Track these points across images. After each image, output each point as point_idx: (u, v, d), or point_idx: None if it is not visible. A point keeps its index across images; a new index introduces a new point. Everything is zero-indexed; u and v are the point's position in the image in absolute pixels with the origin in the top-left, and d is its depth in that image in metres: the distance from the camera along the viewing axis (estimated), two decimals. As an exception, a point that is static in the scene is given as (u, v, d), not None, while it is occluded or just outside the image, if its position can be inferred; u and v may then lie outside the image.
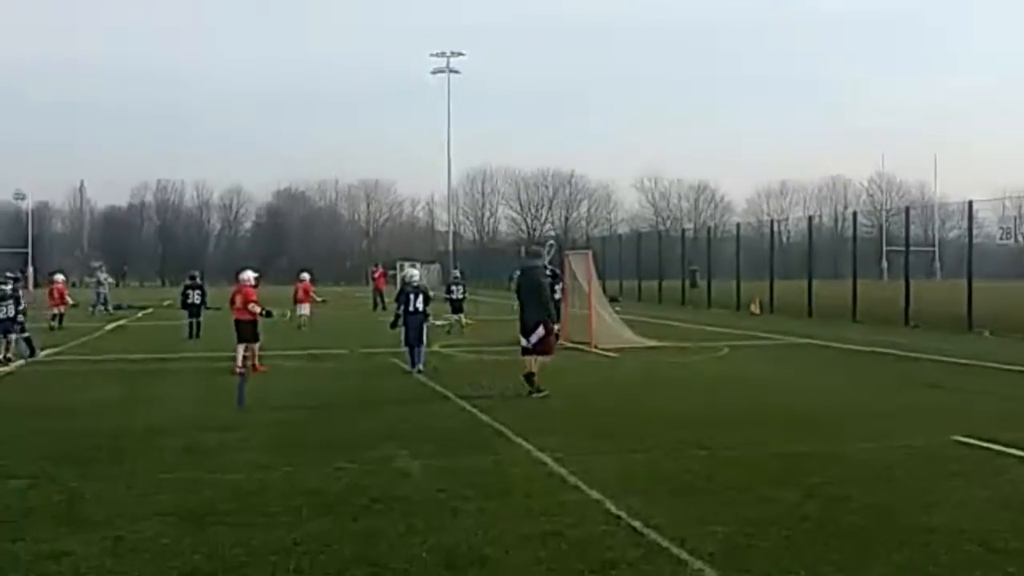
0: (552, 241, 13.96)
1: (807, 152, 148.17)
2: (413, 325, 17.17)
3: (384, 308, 37.20)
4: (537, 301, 14.45)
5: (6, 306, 18.08)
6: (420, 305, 17.26)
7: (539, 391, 13.81)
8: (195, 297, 26.81)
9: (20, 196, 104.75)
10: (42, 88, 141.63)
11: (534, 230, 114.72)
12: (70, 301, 31.13)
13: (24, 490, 8.33)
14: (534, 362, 14.18)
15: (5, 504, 7.84)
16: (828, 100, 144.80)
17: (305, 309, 29.41)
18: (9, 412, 13.10)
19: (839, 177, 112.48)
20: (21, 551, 6.50)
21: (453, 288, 28.42)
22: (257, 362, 17.64)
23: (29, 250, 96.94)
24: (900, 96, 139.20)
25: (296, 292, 30.10)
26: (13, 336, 18.32)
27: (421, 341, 17.28)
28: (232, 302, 18.23)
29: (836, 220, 78.73)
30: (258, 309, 17.85)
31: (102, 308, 38.90)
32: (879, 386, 15.64)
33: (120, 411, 13.06)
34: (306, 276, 30.62)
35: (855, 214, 40.72)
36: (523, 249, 77.99)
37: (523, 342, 14.40)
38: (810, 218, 41.83)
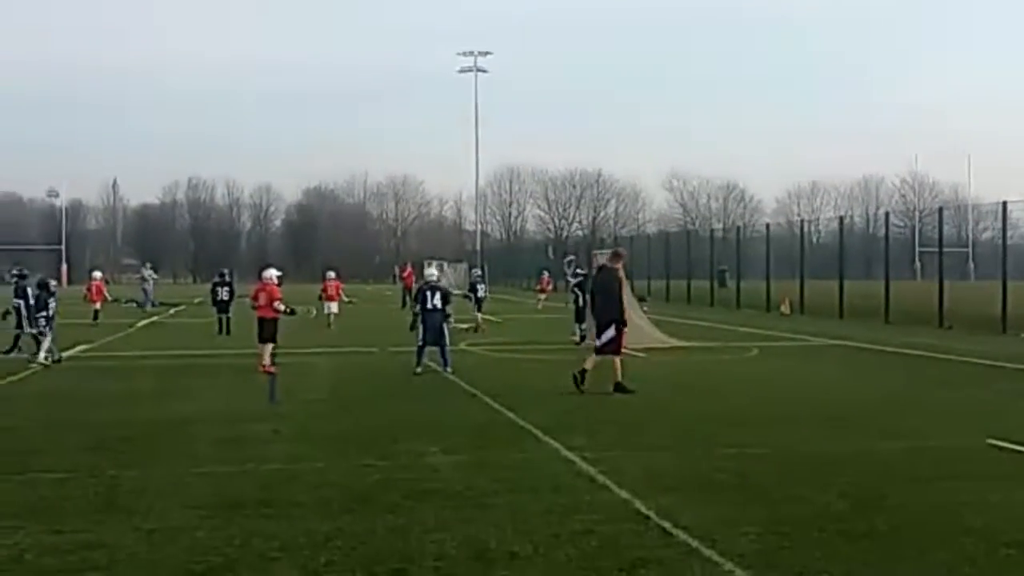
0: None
1: (838, 152, 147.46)
2: (432, 324, 16.88)
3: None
4: (610, 301, 14.51)
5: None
6: (438, 303, 17.00)
7: (626, 390, 13.86)
8: (223, 294, 27.13)
9: (54, 194, 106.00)
10: (74, 87, 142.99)
11: (561, 229, 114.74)
12: (108, 297, 31.86)
13: (62, 481, 8.43)
14: (593, 361, 14.29)
15: (43, 495, 7.95)
16: (859, 98, 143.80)
17: (334, 307, 29.57)
18: (46, 404, 13.27)
19: (871, 177, 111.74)
20: (59, 541, 6.58)
21: (478, 287, 28.85)
22: (266, 361, 17.01)
23: (63, 247, 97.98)
24: (933, 94, 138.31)
25: (324, 290, 30.29)
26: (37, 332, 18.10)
27: (443, 340, 16.96)
28: (255, 299, 17.90)
29: (868, 221, 78.14)
30: (283, 307, 17.56)
31: (148, 304, 39.24)
32: (912, 387, 15.54)
33: (154, 404, 13.23)
34: (332, 274, 30.79)
35: (887, 214, 40.48)
36: (549, 248, 78.02)
37: (595, 341, 14.59)
38: (841, 218, 41.53)
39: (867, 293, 34.29)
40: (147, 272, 42.47)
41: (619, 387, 13.96)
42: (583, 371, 14.14)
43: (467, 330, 25.68)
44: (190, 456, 9.58)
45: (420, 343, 16.94)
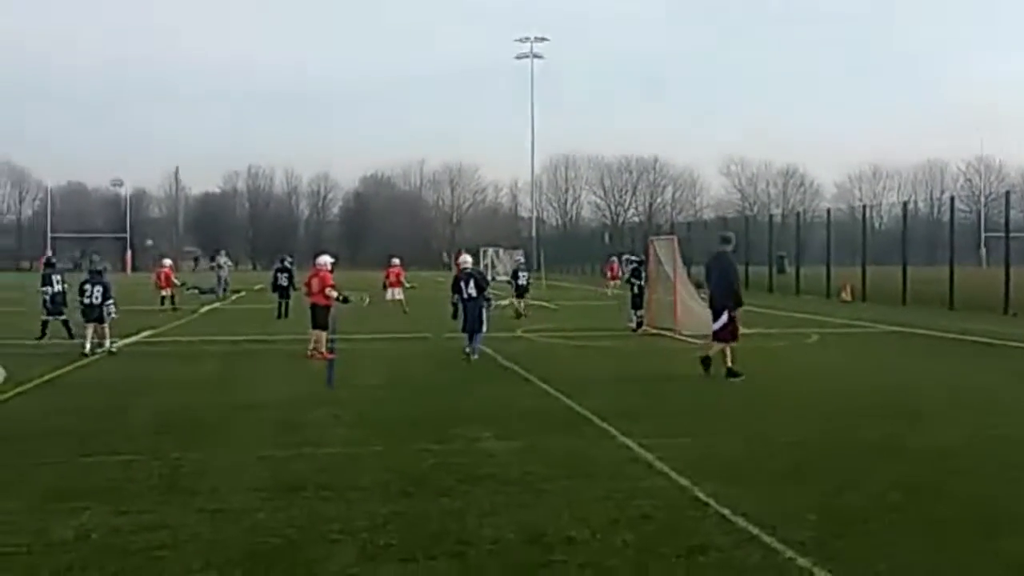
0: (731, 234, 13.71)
1: (901, 135, 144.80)
2: (471, 312, 17.15)
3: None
4: (725, 287, 14.51)
5: (95, 292, 17.85)
6: (473, 291, 17.22)
7: (736, 375, 13.88)
8: (283, 280, 27.79)
9: (118, 183, 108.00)
10: (137, 79, 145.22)
11: (617, 216, 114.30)
12: (177, 283, 32.71)
13: (127, 463, 8.61)
14: (713, 347, 14.42)
15: (108, 476, 8.12)
16: (922, 80, 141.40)
17: (398, 293, 30.10)
18: (111, 389, 13.53)
19: (935, 161, 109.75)
20: (124, 522, 6.73)
21: (520, 274, 29.06)
22: (324, 348, 17.30)
23: (128, 235, 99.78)
24: (999, 74, 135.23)
25: (387, 277, 30.61)
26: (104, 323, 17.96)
27: (480, 327, 17.12)
28: (308, 286, 18.05)
29: (932, 205, 76.82)
30: (335, 294, 17.70)
31: (222, 291, 39.77)
32: (975, 375, 15.28)
33: (217, 388, 13.45)
34: (396, 261, 31.18)
35: (952, 199, 39.70)
36: (606, 235, 77.85)
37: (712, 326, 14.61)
38: (904, 203, 40.84)
39: (930, 279, 33.71)
40: (222, 259, 42.58)
41: (731, 372, 13.97)
42: (707, 357, 14.31)
43: (505, 308, 25.85)
44: (251, 439, 9.73)
45: (465, 331, 17.23)
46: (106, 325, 17.86)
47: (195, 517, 6.85)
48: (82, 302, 17.91)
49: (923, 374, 15.49)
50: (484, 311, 17.31)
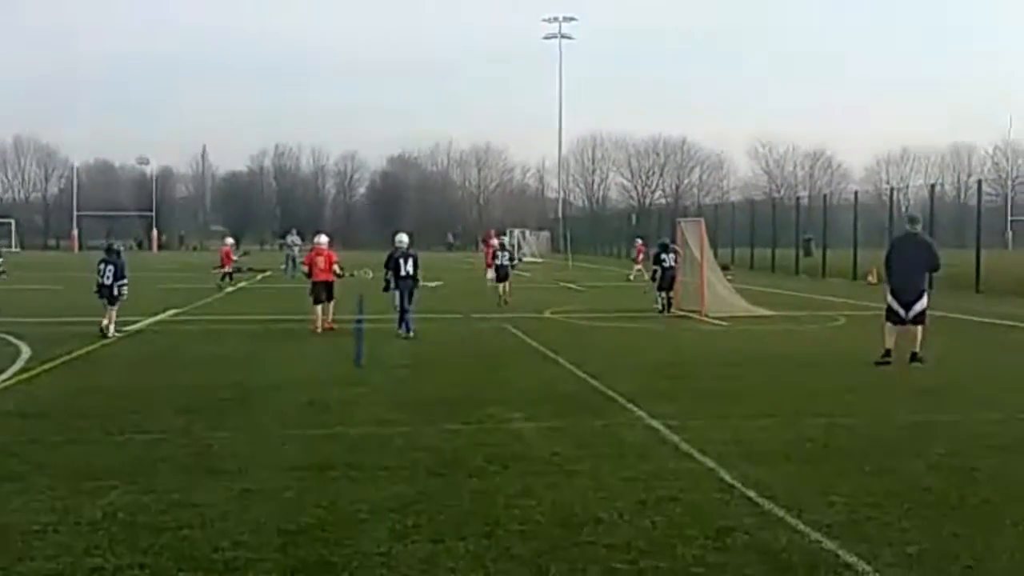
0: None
1: (929, 118, 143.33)
2: (404, 289, 17.68)
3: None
4: (921, 270, 14.34)
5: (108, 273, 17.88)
6: (410, 269, 17.84)
7: (920, 361, 13.73)
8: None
9: (144, 161, 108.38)
10: (163, 56, 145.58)
11: (644, 197, 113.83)
12: (235, 257, 34.57)
13: (155, 442, 8.67)
14: (894, 334, 14.09)
15: (137, 456, 8.17)
16: (950, 62, 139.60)
17: (490, 273, 30.83)
18: (140, 368, 13.62)
19: (963, 144, 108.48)
20: (152, 502, 6.77)
21: (499, 254, 27.23)
22: (331, 319, 18.60)
23: (153, 214, 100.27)
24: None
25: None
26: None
27: (410, 305, 17.70)
28: (313, 264, 19.00)
29: (959, 189, 76.11)
30: (339, 270, 18.98)
31: (293, 271, 39.59)
32: (1003, 358, 15.16)
33: (244, 368, 13.50)
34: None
35: (980, 183, 39.24)
36: (634, 216, 77.37)
37: (900, 313, 14.14)
38: (932, 186, 40.46)
39: (957, 262, 33.39)
40: (293, 238, 42.16)
41: (914, 357, 13.79)
42: (888, 351, 13.88)
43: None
44: (279, 419, 9.77)
45: (397, 308, 17.73)
46: (114, 308, 17.71)
47: (223, 496, 6.88)
48: (98, 282, 18.02)
49: (952, 356, 15.34)
50: (416, 290, 18.02)
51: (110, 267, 17.87)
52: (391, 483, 7.23)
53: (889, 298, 14.18)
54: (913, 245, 14.42)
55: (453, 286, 33.05)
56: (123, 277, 17.94)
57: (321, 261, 18.86)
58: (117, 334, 17.35)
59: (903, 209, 53.01)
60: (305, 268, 19.66)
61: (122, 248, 19.25)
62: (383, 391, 11.48)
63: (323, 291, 18.62)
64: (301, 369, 13.33)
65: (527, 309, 23.17)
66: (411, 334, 17.25)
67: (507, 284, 25.52)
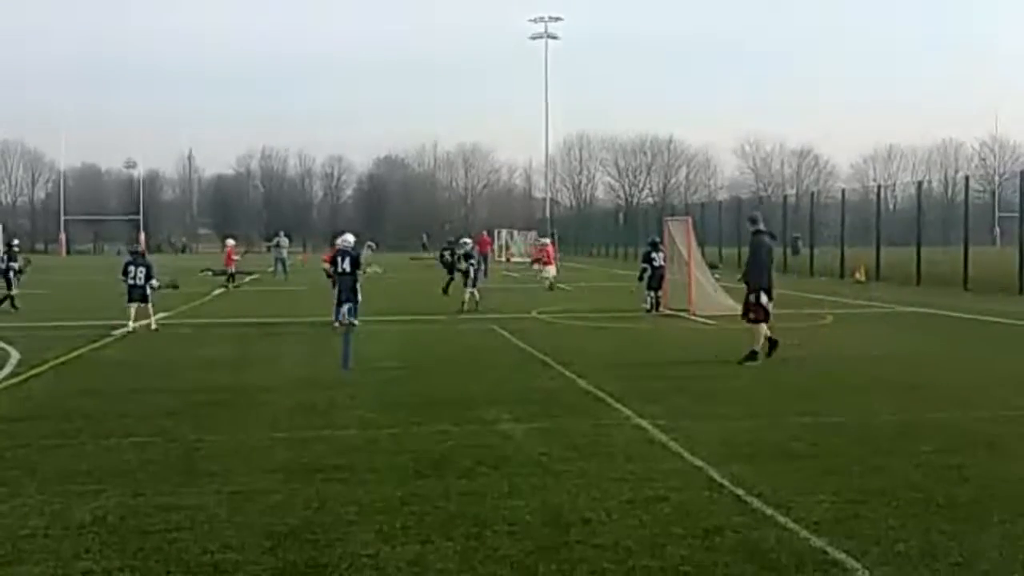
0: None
1: (916, 115, 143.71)
2: (343, 285, 19.33)
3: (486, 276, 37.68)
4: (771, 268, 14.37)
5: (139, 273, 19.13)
6: (348, 267, 19.41)
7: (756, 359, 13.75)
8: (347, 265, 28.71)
9: (131, 165, 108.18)
10: (150, 59, 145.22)
11: (632, 197, 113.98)
12: (236, 258, 34.90)
13: (143, 445, 8.65)
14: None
15: (125, 459, 8.15)
16: (935, 59, 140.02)
17: (552, 270, 32.43)
18: (129, 371, 13.59)
19: (950, 141, 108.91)
20: (141, 504, 6.76)
21: (456, 255, 26.01)
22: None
23: (141, 217, 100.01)
24: (1016, 54, 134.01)
25: (546, 254, 33.54)
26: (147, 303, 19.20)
27: (354, 298, 19.34)
28: (333, 263, 19.91)
29: (946, 185, 76.26)
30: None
31: (283, 273, 39.62)
32: (992, 355, 15.23)
33: (232, 370, 13.48)
34: (546, 241, 33.38)
35: (967, 179, 39.38)
36: (620, 216, 77.28)
37: (769, 310, 14.18)
38: (919, 183, 40.58)
39: (944, 260, 33.56)
40: (282, 240, 41.82)
41: (754, 355, 13.80)
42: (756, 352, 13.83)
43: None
44: (268, 421, 9.76)
45: (336, 301, 19.39)
46: (149, 305, 19.12)
47: (212, 499, 6.87)
48: (126, 283, 19.14)
49: (940, 354, 15.44)
50: (358, 285, 19.53)
51: (141, 268, 19.18)
52: (379, 485, 7.23)
53: (764, 298, 14.12)
54: (768, 245, 14.60)
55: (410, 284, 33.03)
56: (152, 276, 19.30)
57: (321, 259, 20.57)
58: (155, 328, 18.70)
59: (891, 206, 53.27)
60: (327, 266, 20.51)
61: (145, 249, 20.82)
62: (371, 393, 11.47)
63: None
64: (290, 371, 13.32)
65: (514, 310, 23.18)
66: (354, 325, 18.87)
67: (472, 291, 23.36)
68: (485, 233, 50.66)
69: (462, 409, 10.27)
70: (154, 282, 19.22)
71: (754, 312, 14.08)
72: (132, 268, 19.17)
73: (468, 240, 26.37)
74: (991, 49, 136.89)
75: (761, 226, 14.65)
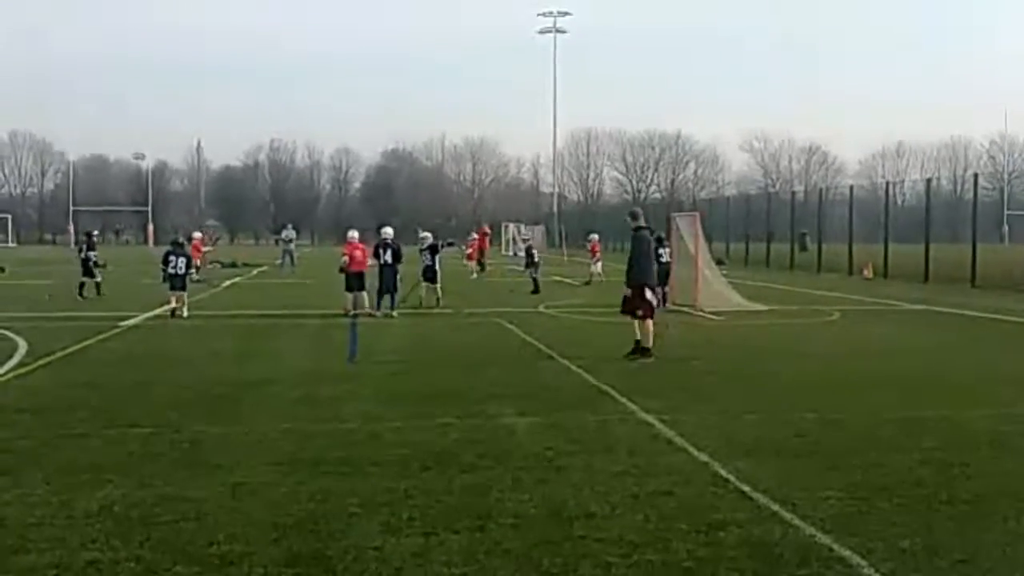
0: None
1: (924, 112, 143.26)
2: (386, 276, 20.17)
3: (483, 269, 37.81)
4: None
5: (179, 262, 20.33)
6: (390, 259, 20.24)
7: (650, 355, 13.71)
8: (388, 256, 28.81)
9: (140, 156, 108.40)
10: (160, 51, 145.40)
11: (639, 192, 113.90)
12: (205, 250, 36.16)
13: (148, 436, 8.66)
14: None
15: (130, 451, 8.16)
16: (945, 55, 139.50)
17: (598, 267, 33.02)
18: (135, 363, 13.60)
19: (959, 138, 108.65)
20: (146, 496, 6.77)
21: (423, 253, 23.59)
22: (368, 305, 20.40)
23: (149, 208, 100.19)
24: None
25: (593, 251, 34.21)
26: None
27: (394, 290, 20.23)
28: (352, 256, 20.96)
29: (955, 183, 76.11)
30: (372, 261, 20.75)
31: (291, 266, 39.49)
32: (999, 353, 15.19)
33: (237, 363, 13.50)
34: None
35: (976, 176, 39.22)
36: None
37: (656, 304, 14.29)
38: (927, 181, 40.50)
39: (953, 257, 33.48)
40: (289, 233, 41.44)
41: (647, 351, 13.79)
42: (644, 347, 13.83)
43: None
44: (272, 414, 9.76)
45: (377, 291, 20.27)
46: (185, 294, 20.38)
47: (217, 491, 6.88)
48: (167, 272, 20.30)
49: (947, 351, 15.40)
50: (398, 277, 20.32)
51: (181, 259, 20.39)
52: (383, 478, 7.23)
53: (648, 294, 14.08)
54: (649, 240, 14.51)
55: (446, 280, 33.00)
56: (192, 267, 20.94)
57: (359, 254, 21.07)
58: (187, 316, 19.82)
59: (899, 203, 53.20)
60: (345, 259, 21.14)
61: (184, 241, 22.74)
62: (376, 386, 11.48)
63: (357, 281, 20.67)
64: (294, 364, 13.32)
65: (519, 304, 23.19)
66: (394, 314, 19.83)
67: (435, 286, 22.74)
68: (486, 226, 50.37)
69: (466, 402, 10.27)
70: (193, 273, 20.37)
71: (643, 310, 13.97)
72: (173, 258, 20.30)
73: (428, 234, 24.63)
74: (1001, 47, 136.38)
75: (642, 222, 14.54)
